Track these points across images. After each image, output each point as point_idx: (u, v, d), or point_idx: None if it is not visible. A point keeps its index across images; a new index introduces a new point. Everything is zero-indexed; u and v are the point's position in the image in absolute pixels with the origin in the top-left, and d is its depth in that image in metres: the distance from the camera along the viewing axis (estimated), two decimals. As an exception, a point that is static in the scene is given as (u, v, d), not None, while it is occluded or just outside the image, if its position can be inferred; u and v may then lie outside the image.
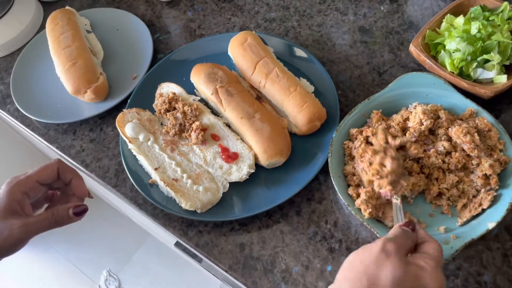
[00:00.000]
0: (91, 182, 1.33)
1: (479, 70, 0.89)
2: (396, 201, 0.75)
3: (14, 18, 1.19)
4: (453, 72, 0.89)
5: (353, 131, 0.87)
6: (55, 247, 2.14)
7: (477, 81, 0.90)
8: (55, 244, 2.15)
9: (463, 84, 0.87)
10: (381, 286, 0.54)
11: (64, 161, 0.72)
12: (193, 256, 1.10)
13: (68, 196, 0.73)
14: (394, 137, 0.82)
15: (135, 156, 0.92)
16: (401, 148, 0.82)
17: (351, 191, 0.81)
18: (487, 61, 0.89)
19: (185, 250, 1.11)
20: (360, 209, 0.78)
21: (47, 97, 1.06)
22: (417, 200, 0.82)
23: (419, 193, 0.82)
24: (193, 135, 0.90)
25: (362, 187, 0.81)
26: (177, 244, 1.12)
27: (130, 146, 0.92)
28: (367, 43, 1.05)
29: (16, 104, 1.07)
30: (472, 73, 0.89)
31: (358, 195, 0.80)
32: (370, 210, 0.77)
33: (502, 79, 0.87)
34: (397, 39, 1.04)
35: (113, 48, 1.13)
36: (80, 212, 0.69)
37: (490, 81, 0.89)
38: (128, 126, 0.92)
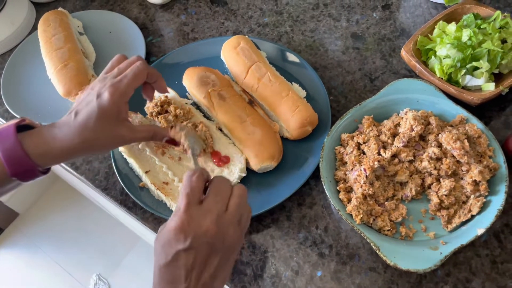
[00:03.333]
0: (81, 185, 1.32)
1: (468, 77, 0.89)
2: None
3: (6, 18, 1.18)
4: (442, 78, 0.90)
5: (345, 136, 0.87)
6: (44, 249, 2.12)
7: (465, 88, 0.90)
8: (43, 245, 2.13)
9: (451, 90, 0.88)
10: (171, 240, 0.56)
11: (147, 63, 0.76)
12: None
13: (148, 86, 0.77)
14: (385, 148, 0.83)
15: (125, 159, 0.92)
16: (393, 155, 0.83)
17: (342, 196, 0.81)
18: (476, 68, 0.89)
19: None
20: (351, 215, 0.78)
21: (38, 99, 1.05)
22: (408, 205, 0.82)
23: (411, 198, 0.83)
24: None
25: (353, 192, 0.81)
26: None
27: (121, 148, 0.91)
28: (359, 49, 1.05)
29: (6, 105, 1.06)
30: (460, 80, 0.90)
31: (349, 200, 0.80)
32: (362, 216, 0.77)
33: (490, 87, 0.88)
34: (389, 45, 1.05)
35: (105, 50, 1.12)
36: (169, 142, 0.78)
37: (479, 89, 0.90)
38: None
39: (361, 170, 0.80)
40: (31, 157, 0.66)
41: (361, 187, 0.79)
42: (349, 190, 0.82)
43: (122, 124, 0.70)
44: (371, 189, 0.79)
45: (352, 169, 0.83)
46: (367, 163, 0.80)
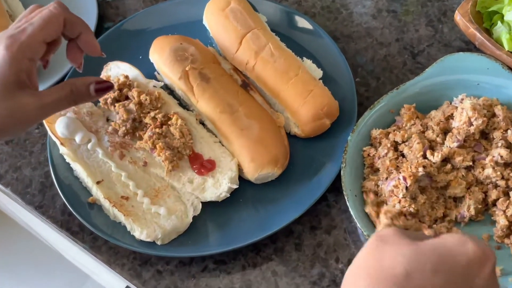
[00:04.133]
0: (5, 201, 1.31)
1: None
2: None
3: None
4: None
5: (376, 133, 0.87)
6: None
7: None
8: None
9: (527, 69, 0.89)
10: (389, 276, 0.50)
11: (67, 8, 0.75)
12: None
13: (73, 46, 0.77)
14: (433, 149, 0.83)
15: (69, 164, 0.92)
16: (444, 159, 0.83)
17: (372, 214, 0.79)
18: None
19: (138, 298, 1.10)
20: None
21: None
22: (465, 228, 0.82)
23: (469, 219, 0.83)
24: (150, 134, 0.89)
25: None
26: (127, 290, 1.11)
27: (63, 150, 0.91)
28: (397, 12, 1.05)
29: None
30: (539, 55, 0.90)
31: None
32: None
33: None
34: (438, 7, 1.05)
35: None
36: (103, 89, 0.75)
37: None
38: (59, 122, 0.91)
39: (399, 179, 0.80)
40: None
41: (399, 202, 0.79)
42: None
43: (24, 90, 0.69)
44: (413, 206, 0.79)
45: (386, 178, 0.82)
46: (408, 170, 0.79)
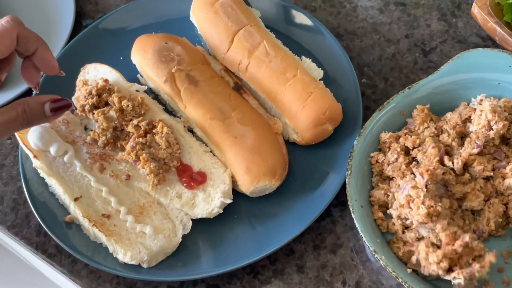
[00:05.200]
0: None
1: None
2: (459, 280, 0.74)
3: None
4: (536, 49, 0.90)
5: (386, 136, 0.86)
6: None
7: None
8: None
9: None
10: None
11: (22, 22, 0.75)
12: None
13: (29, 64, 0.78)
14: (450, 154, 0.82)
15: (43, 179, 0.91)
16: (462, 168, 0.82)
17: (382, 228, 0.81)
18: None
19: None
20: (400, 260, 0.78)
21: None
22: (484, 244, 0.78)
23: (488, 234, 0.82)
24: (133, 144, 0.88)
25: (402, 220, 0.80)
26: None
27: (36, 163, 0.90)
28: (406, 6, 1.05)
29: None
30: None
31: (397, 236, 0.80)
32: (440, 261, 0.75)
33: None
34: None
35: (12, 10, 1.12)
36: (60, 108, 0.75)
37: None
38: (32, 133, 0.90)
39: (414, 179, 0.78)
40: None
41: (423, 204, 0.77)
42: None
43: None
44: (440, 204, 0.77)
45: (399, 185, 0.81)
46: (425, 168, 0.78)
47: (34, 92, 0.92)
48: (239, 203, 0.88)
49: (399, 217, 0.80)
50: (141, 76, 0.98)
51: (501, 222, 0.81)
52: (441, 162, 0.81)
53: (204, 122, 0.90)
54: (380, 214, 0.82)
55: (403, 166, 0.82)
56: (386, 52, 1.01)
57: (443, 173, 0.79)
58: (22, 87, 1.02)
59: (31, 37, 0.75)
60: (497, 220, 0.80)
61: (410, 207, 0.79)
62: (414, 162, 0.84)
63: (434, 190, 0.79)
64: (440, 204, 0.77)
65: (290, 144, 0.92)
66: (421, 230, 0.78)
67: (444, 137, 0.84)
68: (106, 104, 0.92)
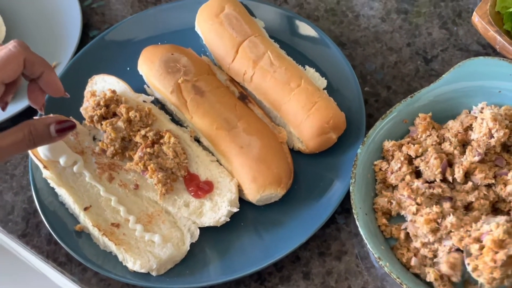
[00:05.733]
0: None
1: None
2: None
3: None
4: (536, 57, 0.90)
5: (389, 145, 0.86)
6: None
7: None
8: None
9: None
10: None
11: (28, 46, 0.76)
12: None
13: (35, 87, 0.79)
14: (451, 162, 0.82)
15: (53, 189, 0.91)
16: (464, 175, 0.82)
17: (386, 234, 0.81)
18: None
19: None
20: (403, 266, 0.78)
21: None
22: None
23: None
24: (141, 154, 0.89)
25: (410, 224, 0.80)
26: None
27: (46, 174, 0.90)
28: (407, 14, 1.05)
29: None
30: None
31: (400, 243, 0.80)
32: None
33: None
34: (452, 8, 1.05)
35: (21, 22, 1.12)
36: (65, 129, 0.77)
37: None
38: None
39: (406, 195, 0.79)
40: None
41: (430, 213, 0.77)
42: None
43: None
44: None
45: (405, 195, 0.81)
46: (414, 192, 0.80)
47: (39, 113, 0.93)
48: (246, 212, 0.88)
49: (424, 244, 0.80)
50: (148, 86, 0.98)
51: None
52: (443, 173, 0.81)
53: (211, 132, 0.90)
54: (384, 221, 0.82)
55: (408, 177, 0.83)
56: (388, 61, 1.01)
57: (442, 190, 0.80)
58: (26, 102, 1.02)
59: (37, 61, 0.76)
60: None
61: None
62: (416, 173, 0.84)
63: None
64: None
65: (295, 153, 0.92)
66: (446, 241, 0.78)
67: (446, 146, 0.84)
68: (114, 114, 0.92)
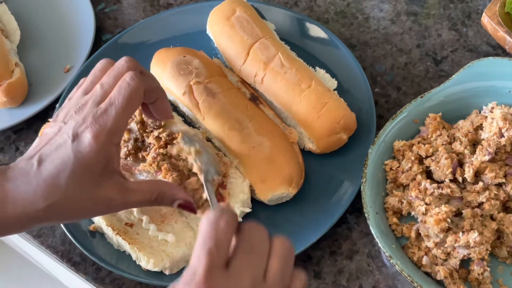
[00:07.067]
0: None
1: None
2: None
3: None
4: (546, 57, 0.89)
5: (399, 145, 0.86)
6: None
7: None
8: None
9: None
10: None
11: (140, 67, 0.73)
12: None
13: (146, 107, 0.78)
14: (462, 162, 0.82)
15: None
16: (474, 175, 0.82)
17: (397, 234, 0.81)
18: None
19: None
20: (415, 265, 0.78)
21: None
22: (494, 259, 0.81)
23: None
24: (154, 155, 0.89)
25: (420, 225, 0.80)
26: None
27: None
28: (417, 16, 1.05)
29: None
30: None
31: (410, 241, 0.80)
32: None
33: None
34: (461, 9, 1.05)
35: (35, 26, 1.13)
36: (185, 208, 0.75)
37: None
38: None
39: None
40: None
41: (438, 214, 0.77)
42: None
43: (110, 181, 0.68)
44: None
45: (413, 195, 0.82)
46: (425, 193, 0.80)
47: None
48: (257, 211, 0.88)
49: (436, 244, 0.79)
50: (160, 88, 0.99)
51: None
52: (453, 173, 0.81)
53: (222, 132, 0.90)
54: (395, 220, 0.82)
55: (419, 176, 0.83)
56: (398, 62, 1.01)
57: (451, 191, 0.80)
58: (46, 101, 1.03)
59: (154, 89, 0.73)
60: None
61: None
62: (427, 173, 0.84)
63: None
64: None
65: (306, 153, 0.92)
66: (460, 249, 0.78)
67: (456, 145, 0.84)
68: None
